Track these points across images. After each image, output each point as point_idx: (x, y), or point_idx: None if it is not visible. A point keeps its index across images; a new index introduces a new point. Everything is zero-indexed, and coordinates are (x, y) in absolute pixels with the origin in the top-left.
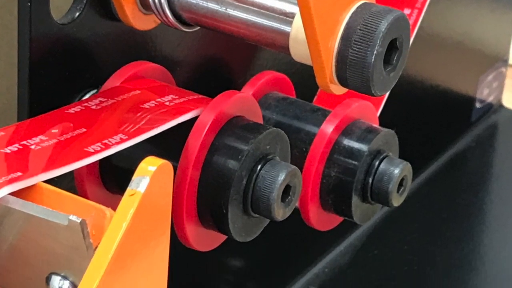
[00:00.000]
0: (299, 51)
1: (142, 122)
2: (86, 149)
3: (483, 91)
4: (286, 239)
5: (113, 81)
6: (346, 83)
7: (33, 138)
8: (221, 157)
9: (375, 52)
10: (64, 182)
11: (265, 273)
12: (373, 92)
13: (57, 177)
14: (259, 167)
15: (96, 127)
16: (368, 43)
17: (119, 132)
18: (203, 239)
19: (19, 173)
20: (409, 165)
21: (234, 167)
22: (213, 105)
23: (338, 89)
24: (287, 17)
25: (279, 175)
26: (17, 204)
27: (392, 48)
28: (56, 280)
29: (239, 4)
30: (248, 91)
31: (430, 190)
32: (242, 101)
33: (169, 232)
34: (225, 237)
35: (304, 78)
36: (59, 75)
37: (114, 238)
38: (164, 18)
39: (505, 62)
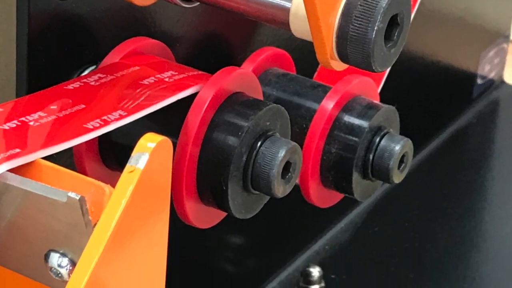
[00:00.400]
0: (299, 27)
1: (142, 99)
2: (85, 125)
3: (484, 67)
4: (286, 216)
5: (112, 57)
6: (347, 59)
7: (32, 115)
8: (221, 134)
9: (375, 28)
10: (63, 159)
11: (265, 250)
12: (373, 68)
13: (56, 154)
14: (259, 143)
15: (95, 103)
16: (369, 19)
17: (118, 108)
18: (202, 216)
19: (17, 150)
20: (410, 141)
21: (234, 143)
22: (213, 81)
23: (338, 65)
24: None
25: (279, 151)
26: (16, 180)
27: (393, 24)
28: (55, 257)
29: None
30: (248, 67)
31: (431, 167)
32: (242, 77)
33: (169, 209)
34: (224, 214)
35: (304, 54)
36: (58, 51)
37: (113, 215)
38: None
39: (506, 38)
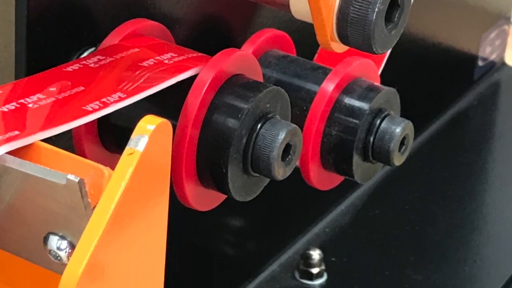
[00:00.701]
0: (300, 8)
1: (141, 81)
2: (84, 107)
3: (485, 49)
4: (286, 198)
5: (112, 39)
6: (347, 41)
7: (31, 97)
8: (221, 116)
9: (376, 10)
10: (62, 141)
11: (265, 233)
12: (374, 50)
13: (55, 136)
14: (259, 125)
15: (94, 85)
16: (370, 0)
17: (117, 90)
18: (202, 199)
19: (16, 132)
20: (410, 123)
21: (234, 125)
22: (213, 63)
23: (339, 47)
24: None
25: (280, 133)
26: (15, 163)
27: (394, 5)
28: (54, 240)
29: None
30: (248, 49)
31: (432, 149)
32: (242, 59)
33: (168, 192)
34: (224, 196)
35: (304, 36)
36: (57, 32)
37: (112, 197)
38: None
39: (507, 19)
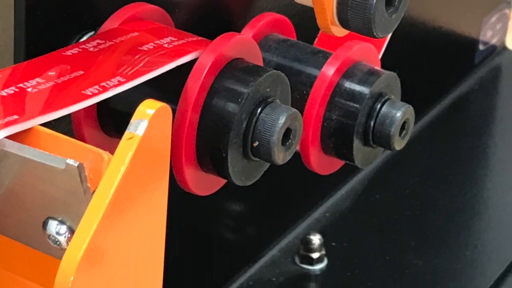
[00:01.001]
0: None
1: (141, 65)
2: (83, 91)
3: (486, 33)
4: (286, 183)
5: (111, 23)
6: (348, 25)
7: (30, 81)
8: (221, 100)
9: None
10: (61, 126)
11: (265, 217)
12: (374, 34)
13: (54, 120)
14: (259, 110)
15: (93, 69)
16: None
17: (117, 74)
18: (202, 183)
19: (15, 116)
20: (411, 108)
21: (234, 110)
22: (213, 47)
23: (339, 31)
24: None
25: (280, 118)
26: (14, 147)
27: None
28: (53, 224)
29: None
30: (248, 33)
31: (433, 134)
32: (242, 43)
33: (168, 176)
34: (224, 181)
35: (304, 20)
36: (56, 16)
37: (112, 182)
38: None
39: (508, 3)
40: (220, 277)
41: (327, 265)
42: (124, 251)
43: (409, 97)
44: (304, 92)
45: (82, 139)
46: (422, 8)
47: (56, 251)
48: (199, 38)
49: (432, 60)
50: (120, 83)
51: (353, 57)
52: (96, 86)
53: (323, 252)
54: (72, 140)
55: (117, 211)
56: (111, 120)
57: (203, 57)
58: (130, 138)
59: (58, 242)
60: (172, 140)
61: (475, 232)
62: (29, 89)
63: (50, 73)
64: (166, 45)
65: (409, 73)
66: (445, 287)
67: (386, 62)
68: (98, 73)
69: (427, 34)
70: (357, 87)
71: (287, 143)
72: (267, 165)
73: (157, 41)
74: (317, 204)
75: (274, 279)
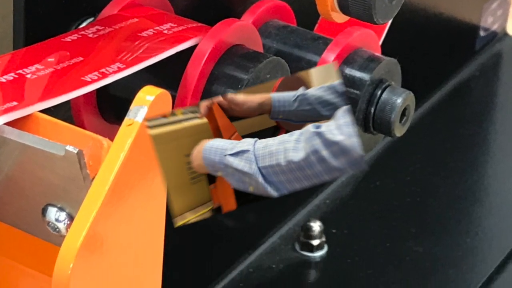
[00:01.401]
0: None
1: (140, 51)
2: (83, 78)
3: (487, 19)
4: None
5: (111, 9)
6: (348, 11)
7: (29, 67)
8: (221, 86)
9: None
10: (60, 112)
11: (265, 204)
12: (375, 20)
13: (53, 107)
14: None
15: (93, 55)
16: None
17: (116, 61)
18: None
19: (14, 103)
20: (411, 94)
21: None
22: (212, 34)
23: (339, 17)
24: None
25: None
26: (13, 134)
27: None
28: (52, 211)
29: None
30: (248, 19)
31: (433, 120)
32: (241, 30)
33: None
34: None
35: (305, 6)
36: (56, 2)
37: (111, 168)
38: None
39: None
40: (220, 264)
41: (327, 252)
42: (124, 238)
43: (410, 83)
44: None
45: (82, 126)
46: None
47: (56, 238)
48: (199, 24)
49: (432, 47)
50: (119, 70)
51: (353, 43)
52: (96, 73)
53: (323, 239)
54: (71, 127)
55: (116, 198)
56: (111, 106)
57: (203, 43)
58: (130, 124)
59: (57, 229)
60: None
61: (475, 219)
62: (28, 76)
63: (49, 60)
64: (165, 31)
65: (409, 60)
66: (445, 274)
67: (386, 49)
68: (98, 60)
69: (427, 20)
70: (358, 74)
71: None
72: None
73: (157, 27)
74: (317, 191)
75: (274, 266)
